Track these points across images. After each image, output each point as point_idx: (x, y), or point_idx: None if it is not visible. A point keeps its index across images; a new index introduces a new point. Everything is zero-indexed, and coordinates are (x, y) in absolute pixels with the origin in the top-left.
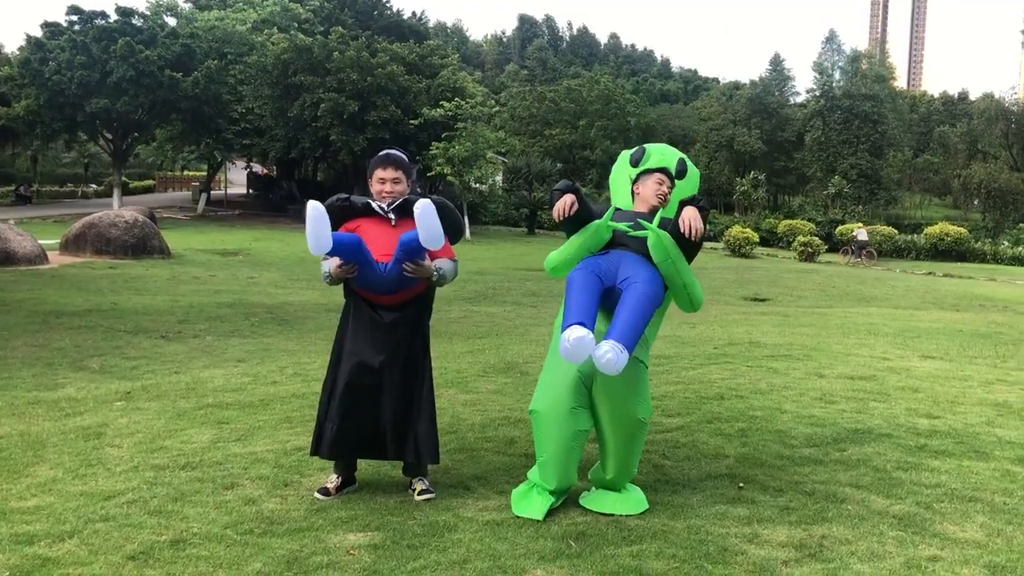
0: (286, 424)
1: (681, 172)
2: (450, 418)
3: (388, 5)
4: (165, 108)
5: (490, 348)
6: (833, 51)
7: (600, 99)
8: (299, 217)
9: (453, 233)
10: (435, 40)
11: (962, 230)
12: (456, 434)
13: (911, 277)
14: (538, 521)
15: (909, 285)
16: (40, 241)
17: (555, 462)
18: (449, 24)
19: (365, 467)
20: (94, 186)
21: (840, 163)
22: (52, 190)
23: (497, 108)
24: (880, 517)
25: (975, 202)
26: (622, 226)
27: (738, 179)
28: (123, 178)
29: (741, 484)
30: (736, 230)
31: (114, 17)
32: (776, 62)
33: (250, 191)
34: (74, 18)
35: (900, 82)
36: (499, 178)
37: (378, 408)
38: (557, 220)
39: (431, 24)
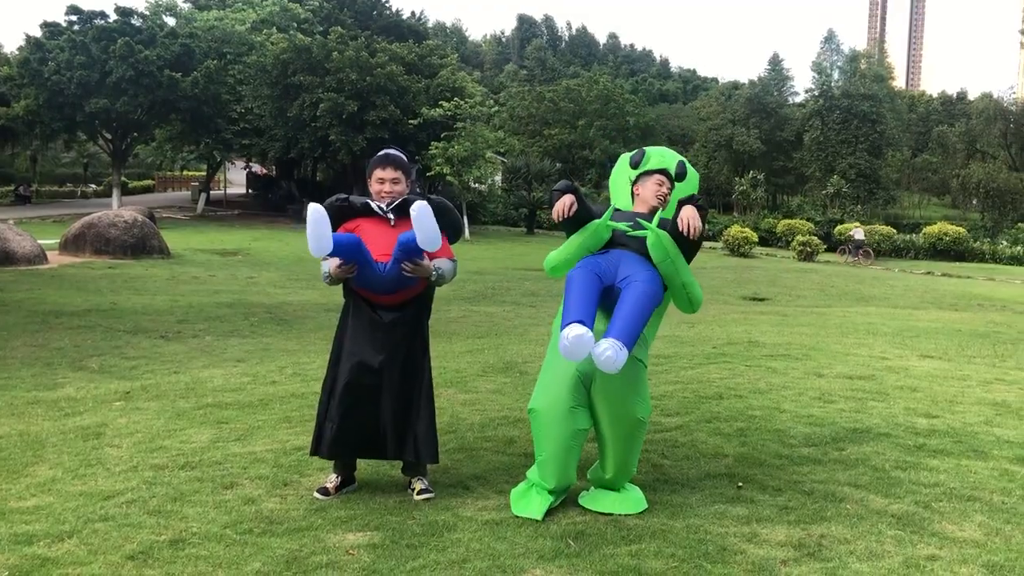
0: (285, 424)
1: (681, 174)
2: (449, 418)
3: (387, 5)
4: (164, 108)
5: (489, 348)
6: (832, 51)
7: (599, 99)
8: (298, 217)
9: (452, 233)
10: (434, 40)
11: (961, 230)
12: (455, 434)
13: (910, 277)
14: (537, 520)
15: (908, 285)
16: (39, 241)
17: (554, 461)
18: (448, 24)
19: (364, 467)
20: (93, 186)
21: (839, 163)
22: (51, 190)
23: (496, 108)
24: (879, 516)
25: (974, 202)
26: (622, 226)
27: (737, 179)
28: (122, 178)
29: (740, 483)
30: (735, 230)
31: (113, 17)
32: (775, 62)
33: (249, 191)
34: (73, 18)
35: (899, 82)
36: (498, 178)
37: (377, 408)
38: (556, 220)
39: (430, 24)
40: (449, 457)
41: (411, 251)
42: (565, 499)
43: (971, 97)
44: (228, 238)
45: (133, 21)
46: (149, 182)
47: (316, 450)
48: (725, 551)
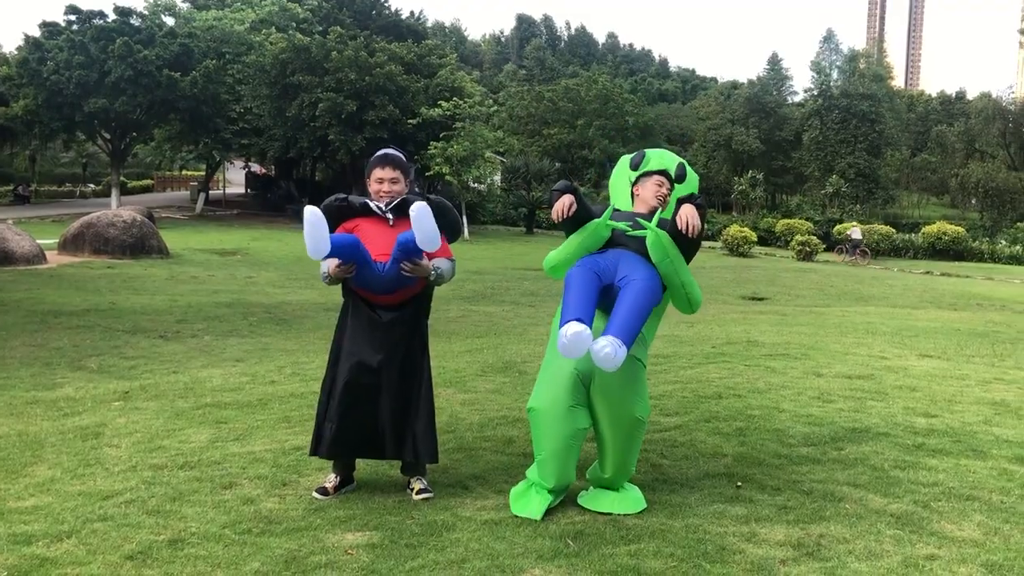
0: (284, 424)
1: (680, 176)
2: (448, 417)
3: (386, 5)
4: (163, 108)
5: (488, 347)
6: (831, 51)
7: (598, 98)
8: (297, 217)
9: (451, 233)
10: (433, 40)
11: (960, 229)
12: (454, 433)
13: (909, 276)
14: (536, 520)
15: (907, 284)
16: (38, 241)
17: (553, 460)
18: (447, 24)
19: (363, 467)
20: (92, 186)
21: (838, 162)
22: (50, 190)
23: (495, 108)
24: (878, 516)
25: (972, 201)
26: (621, 225)
27: (736, 178)
28: (121, 178)
29: (739, 483)
30: (734, 229)
31: (112, 17)
32: (774, 62)
33: (248, 191)
34: (72, 18)
35: (897, 81)
36: (497, 178)
37: (376, 407)
38: (556, 220)
39: (429, 24)
40: (448, 457)
41: (410, 251)
42: (564, 499)
43: (970, 96)
44: (227, 238)
45: (132, 21)
46: (148, 182)
47: (315, 450)
48: (724, 551)
